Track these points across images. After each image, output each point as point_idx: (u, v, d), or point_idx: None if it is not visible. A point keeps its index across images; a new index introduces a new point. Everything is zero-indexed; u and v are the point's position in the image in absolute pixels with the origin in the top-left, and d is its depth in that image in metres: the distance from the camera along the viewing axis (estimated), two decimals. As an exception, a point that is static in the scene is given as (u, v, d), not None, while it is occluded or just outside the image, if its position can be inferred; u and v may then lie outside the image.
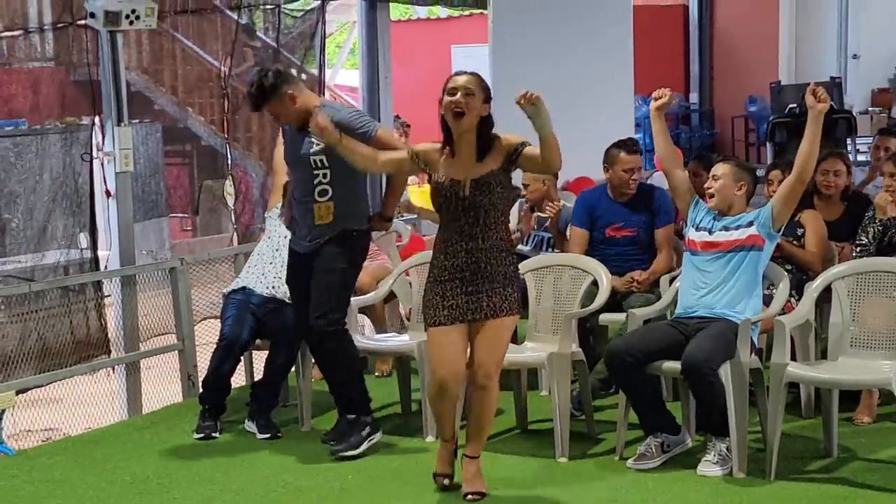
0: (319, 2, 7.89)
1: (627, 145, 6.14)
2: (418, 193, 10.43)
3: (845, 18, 13.79)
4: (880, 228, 5.56)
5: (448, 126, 4.47)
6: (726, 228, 5.08)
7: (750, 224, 5.05)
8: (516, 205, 6.83)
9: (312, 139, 5.08)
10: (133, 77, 9.03)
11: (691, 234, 5.18)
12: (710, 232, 5.11)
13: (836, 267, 5.29)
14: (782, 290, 5.15)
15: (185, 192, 9.86)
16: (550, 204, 6.42)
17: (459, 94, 4.41)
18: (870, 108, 13.52)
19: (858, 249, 5.60)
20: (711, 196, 5.15)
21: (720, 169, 5.18)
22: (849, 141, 11.76)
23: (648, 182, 7.73)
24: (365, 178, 5.35)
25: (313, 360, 5.65)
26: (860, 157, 10.98)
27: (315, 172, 5.18)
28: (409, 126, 10.75)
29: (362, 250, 5.36)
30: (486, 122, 4.49)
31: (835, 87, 12.78)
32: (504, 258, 4.51)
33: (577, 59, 9.47)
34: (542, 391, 5.94)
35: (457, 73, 4.52)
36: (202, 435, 5.65)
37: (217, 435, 5.67)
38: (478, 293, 4.47)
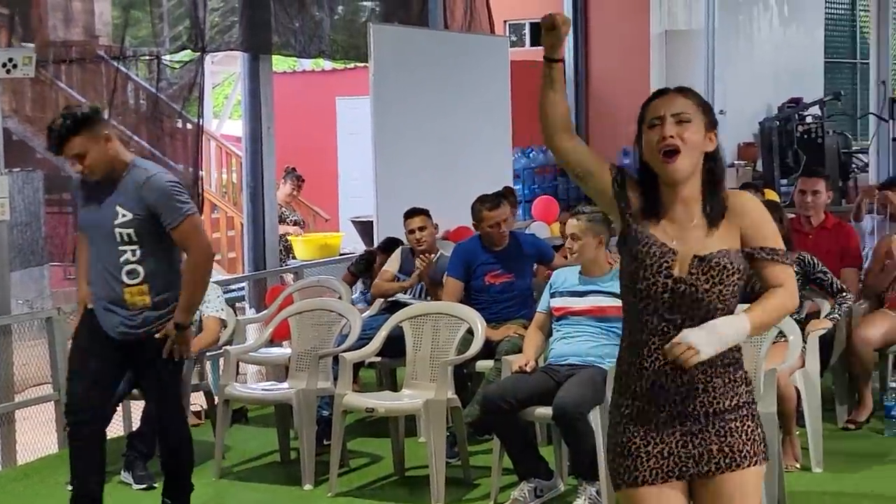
0: (199, 54, 7.96)
1: (490, 201, 6.30)
2: (302, 243, 10.44)
3: (712, 76, 14.32)
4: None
5: (651, 174, 2.92)
6: (595, 293, 5.19)
7: (619, 297, 5.17)
8: (398, 250, 6.96)
9: (120, 205, 4.42)
10: (14, 125, 8.94)
11: (555, 303, 5.26)
12: (581, 296, 5.21)
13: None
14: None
15: (66, 241, 9.74)
16: (423, 256, 6.57)
17: (669, 124, 2.86)
18: (736, 162, 14.06)
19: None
20: (573, 255, 5.24)
21: (576, 227, 5.19)
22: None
23: (528, 231, 7.96)
24: (178, 251, 4.60)
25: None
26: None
27: (121, 248, 4.45)
28: (303, 181, 10.73)
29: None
30: (713, 164, 2.91)
31: (703, 141, 13.26)
32: (736, 374, 2.90)
33: (457, 112, 9.68)
34: (419, 437, 6.04)
35: (659, 93, 2.94)
36: (77, 486, 5.59)
37: (92, 486, 5.62)
38: (702, 431, 2.87)
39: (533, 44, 16.04)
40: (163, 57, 7.89)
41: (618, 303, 5.07)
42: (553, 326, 5.32)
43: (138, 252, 4.41)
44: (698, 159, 2.87)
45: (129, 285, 4.43)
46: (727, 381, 2.87)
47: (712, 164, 2.89)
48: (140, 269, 4.43)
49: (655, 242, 2.87)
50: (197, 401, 6.61)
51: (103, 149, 4.42)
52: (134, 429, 6.04)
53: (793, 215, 6.57)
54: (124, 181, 4.44)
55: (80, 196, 4.63)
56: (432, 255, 6.61)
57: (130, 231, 4.40)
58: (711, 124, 2.89)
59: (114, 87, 7.63)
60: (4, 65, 6.18)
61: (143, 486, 5.55)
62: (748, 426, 2.87)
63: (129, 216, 4.39)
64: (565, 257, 6.69)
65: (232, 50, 8.70)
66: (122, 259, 4.41)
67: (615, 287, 5.13)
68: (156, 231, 4.40)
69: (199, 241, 4.51)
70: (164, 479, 4.84)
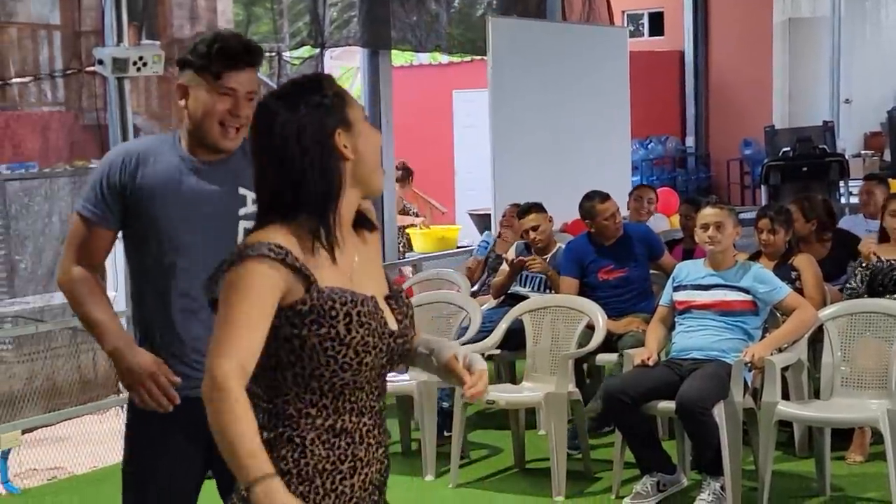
0: (319, 50, 8.08)
1: (600, 195, 6.21)
2: (420, 236, 10.49)
3: (837, 64, 13.98)
4: (868, 273, 5.66)
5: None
6: (720, 286, 5.12)
7: (745, 292, 5.09)
8: (514, 246, 6.94)
9: (244, 187, 2.82)
10: (141, 121, 9.20)
11: (678, 297, 5.22)
12: (706, 289, 5.14)
13: (827, 308, 5.39)
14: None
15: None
16: (538, 261, 6.48)
17: None
18: (862, 152, 13.70)
19: (848, 293, 5.71)
20: (712, 244, 5.15)
21: (718, 215, 5.14)
22: (841, 183, 11.93)
23: (648, 223, 7.85)
24: None
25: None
26: (852, 200, 11.13)
27: None
28: (412, 172, 10.78)
29: None
30: None
31: (827, 131, 12.97)
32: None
33: (575, 103, 9.64)
34: (539, 430, 6.00)
35: None
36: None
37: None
38: None
39: (651, 34, 15.87)
40: (283, 53, 8.04)
41: (743, 297, 5.08)
42: (676, 320, 5.26)
43: None
44: None
45: None
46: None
47: None
48: None
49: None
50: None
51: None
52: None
53: None
54: (234, 155, 2.88)
55: (149, 176, 2.83)
56: (552, 250, 6.57)
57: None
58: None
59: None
60: (135, 63, 6.34)
61: None
62: None
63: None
64: (688, 249, 6.61)
65: (351, 45, 8.80)
66: None
67: (740, 281, 5.09)
68: None
69: None
70: None
